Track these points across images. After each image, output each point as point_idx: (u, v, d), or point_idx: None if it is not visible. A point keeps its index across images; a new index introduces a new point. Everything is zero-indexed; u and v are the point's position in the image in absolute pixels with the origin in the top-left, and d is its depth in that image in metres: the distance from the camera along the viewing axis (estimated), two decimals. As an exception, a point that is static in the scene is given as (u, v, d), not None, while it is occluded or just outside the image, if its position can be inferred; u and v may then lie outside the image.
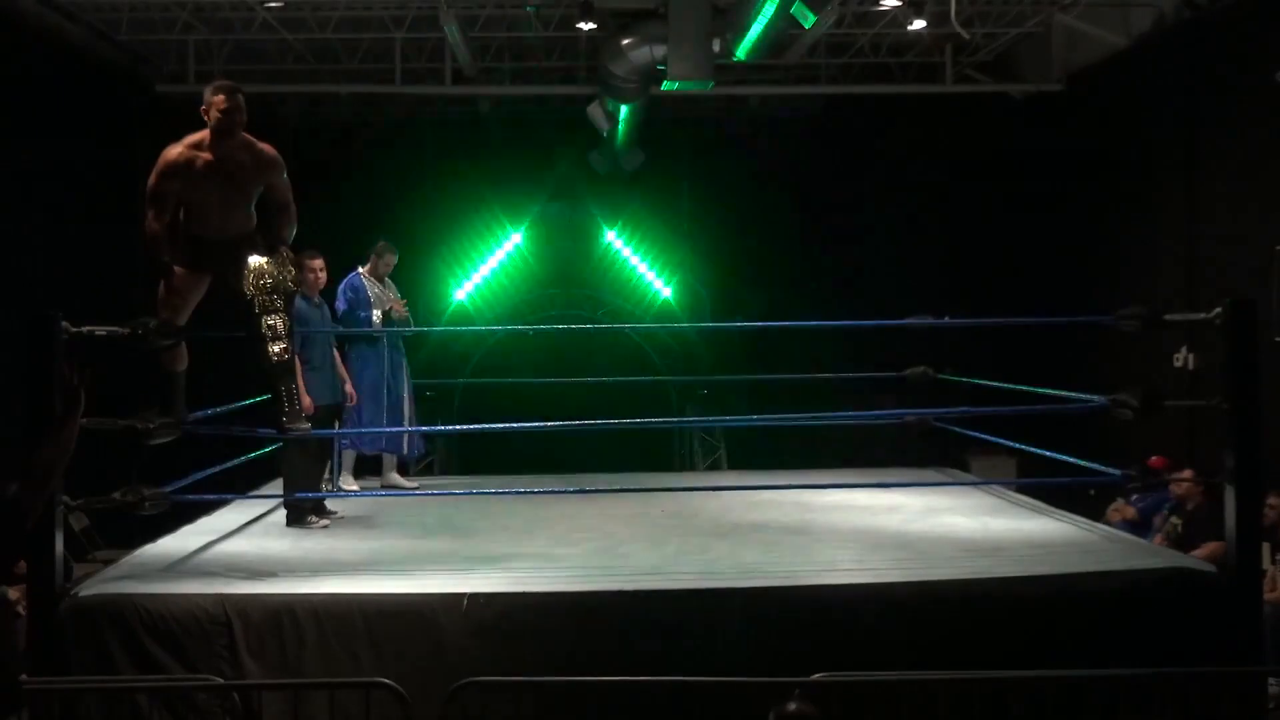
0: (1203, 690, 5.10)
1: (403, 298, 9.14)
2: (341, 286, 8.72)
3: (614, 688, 5.19)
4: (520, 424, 8.36)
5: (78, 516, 9.99)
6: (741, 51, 10.25)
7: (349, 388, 8.38)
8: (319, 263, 7.99)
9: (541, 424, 7.94)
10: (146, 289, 6.51)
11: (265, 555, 6.76)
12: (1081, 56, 12.84)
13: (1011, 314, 10.82)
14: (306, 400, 7.63)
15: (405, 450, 9.20)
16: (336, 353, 8.32)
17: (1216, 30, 10.69)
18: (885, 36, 12.84)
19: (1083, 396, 7.13)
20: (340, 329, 8.53)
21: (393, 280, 9.08)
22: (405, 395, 8.95)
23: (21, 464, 4.06)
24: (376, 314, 8.76)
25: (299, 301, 7.68)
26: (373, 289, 8.84)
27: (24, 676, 4.57)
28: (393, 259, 8.99)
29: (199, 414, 6.69)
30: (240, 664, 5.52)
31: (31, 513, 4.13)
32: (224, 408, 7.33)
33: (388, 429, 8.81)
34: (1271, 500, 8.10)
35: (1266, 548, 7.64)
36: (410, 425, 9.04)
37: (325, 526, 7.65)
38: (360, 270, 8.89)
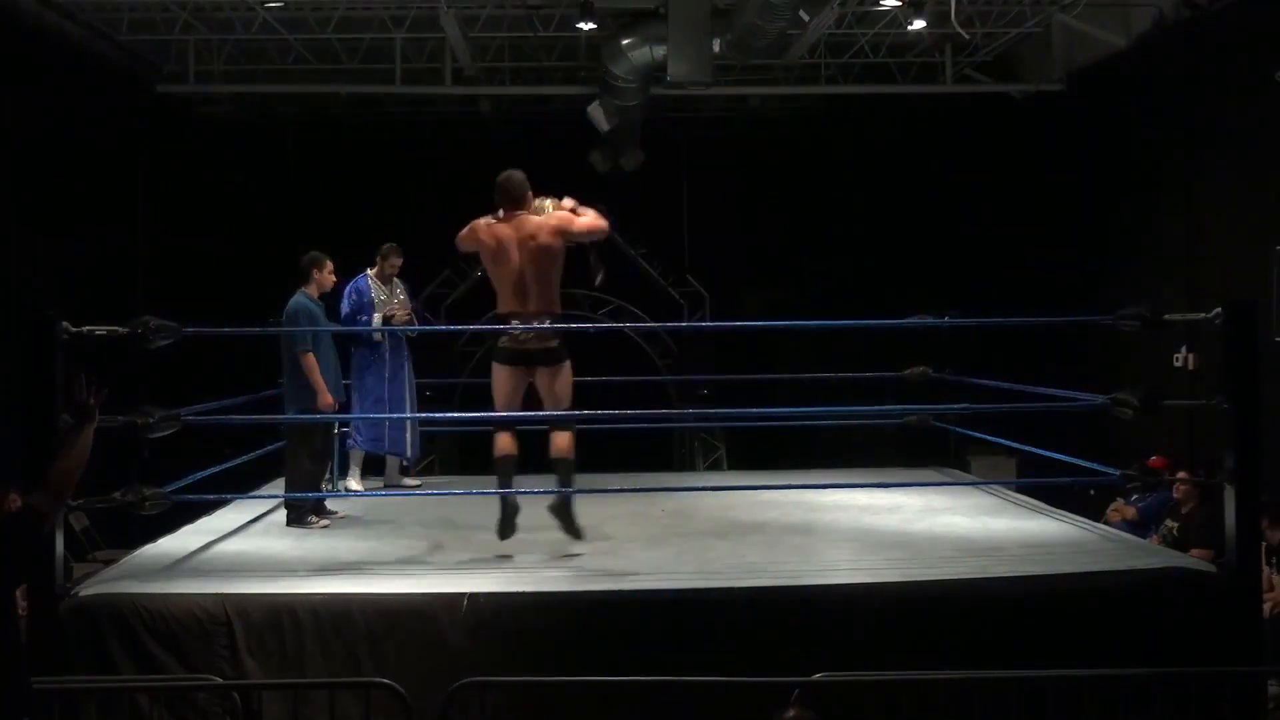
0: (1203, 690, 5.09)
1: (412, 298, 9.15)
2: (347, 289, 8.71)
3: (614, 688, 5.19)
4: (520, 424, 8.33)
5: (78, 516, 9.98)
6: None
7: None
8: (330, 265, 8.00)
9: (541, 424, 7.92)
10: (146, 289, 6.50)
11: (265, 555, 6.77)
12: (1081, 56, 12.83)
13: (1012, 314, 10.80)
14: (328, 399, 7.63)
15: (407, 453, 9.18)
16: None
17: (1216, 30, 10.68)
18: (885, 36, 12.82)
19: (1083, 396, 7.13)
20: (341, 329, 8.53)
21: (400, 280, 9.07)
22: (406, 398, 8.93)
23: (42, 474, 4.12)
24: (377, 317, 8.75)
25: (309, 302, 7.70)
26: (378, 292, 8.82)
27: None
28: (398, 260, 8.97)
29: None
30: (240, 664, 5.53)
31: (50, 521, 4.22)
32: (221, 402, 7.33)
33: (386, 431, 8.83)
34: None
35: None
36: (410, 428, 9.03)
37: (325, 526, 7.65)
38: (368, 272, 8.88)
